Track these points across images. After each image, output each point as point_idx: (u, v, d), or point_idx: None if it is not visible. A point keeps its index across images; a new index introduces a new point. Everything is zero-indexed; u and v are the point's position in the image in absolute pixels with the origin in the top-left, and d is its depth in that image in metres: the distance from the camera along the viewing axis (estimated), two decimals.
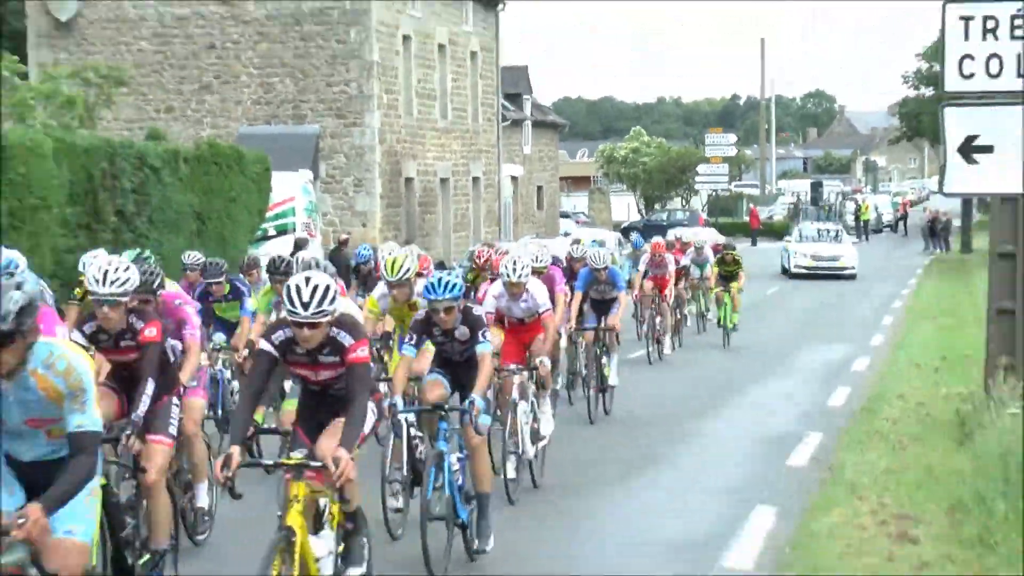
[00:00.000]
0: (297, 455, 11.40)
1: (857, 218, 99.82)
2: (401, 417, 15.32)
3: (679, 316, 36.85)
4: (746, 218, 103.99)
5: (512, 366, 18.37)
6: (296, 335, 11.19)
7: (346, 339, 11.29)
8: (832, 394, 28.17)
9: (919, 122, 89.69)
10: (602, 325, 25.18)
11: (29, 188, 26.37)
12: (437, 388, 14.99)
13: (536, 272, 20.71)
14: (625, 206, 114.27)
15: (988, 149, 15.01)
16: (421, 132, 63.87)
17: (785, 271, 62.85)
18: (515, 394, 17.78)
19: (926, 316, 44.18)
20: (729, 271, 36.17)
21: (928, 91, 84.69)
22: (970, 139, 15.04)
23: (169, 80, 57.89)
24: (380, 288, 18.36)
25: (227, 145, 38.08)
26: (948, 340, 34.78)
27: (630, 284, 33.97)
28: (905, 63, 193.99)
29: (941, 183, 15.80)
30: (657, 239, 35.38)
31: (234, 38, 57.87)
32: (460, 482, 14.16)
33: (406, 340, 14.71)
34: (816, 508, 16.73)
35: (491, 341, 14.66)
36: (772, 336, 39.60)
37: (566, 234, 63.74)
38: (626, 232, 73.33)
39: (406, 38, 62.01)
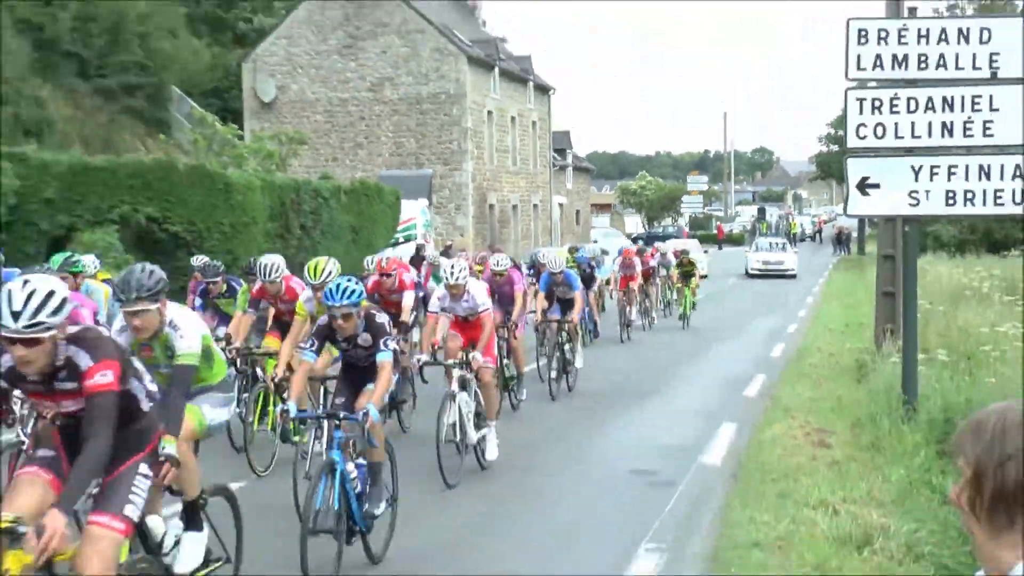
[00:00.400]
0: (10, 514, 6.37)
1: (788, 231, 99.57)
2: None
3: (647, 304, 34.49)
4: (715, 231, 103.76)
5: (451, 360, 14.40)
6: (12, 355, 6.60)
7: (83, 360, 6.64)
8: (773, 348, 28.07)
9: (829, 168, 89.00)
10: (565, 318, 20.84)
11: (244, 211, 26.57)
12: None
13: (498, 275, 18.57)
14: (635, 223, 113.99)
15: (876, 186, 14.99)
16: (499, 174, 63.96)
17: (747, 272, 61.80)
18: (454, 386, 13.77)
19: (835, 297, 43.85)
20: (686, 270, 35.21)
21: (835, 147, 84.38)
22: (864, 179, 15.02)
23: (334, 140, 58.18)
24: (307, 292, 13.66)
25: (372, 183, 38.17)
26: (850, 313, 34.55)
27: (609, 280, 32.79)
28: (819, 129, 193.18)
29: (845, 208, 15.78)
30: (628, 247, 34.40)
31: (377, 112, 58.14)
32: (360, 489, 10.16)
33: (307, 345, 10.77)
34: (763, 424, 16.70)
35: (392, 350, 10.41)
36: (730, 313, 39.15)
37: (595, 241, 63.55)
38: (635, 240, 72.97)
39: (490, 113, 62.15)
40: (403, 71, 58.04)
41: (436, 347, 14.78)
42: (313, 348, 10.58)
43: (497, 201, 63.38)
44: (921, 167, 14.83)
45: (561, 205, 79.54)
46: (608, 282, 32.65)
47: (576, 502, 12.74)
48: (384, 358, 10.26)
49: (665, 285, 37.86)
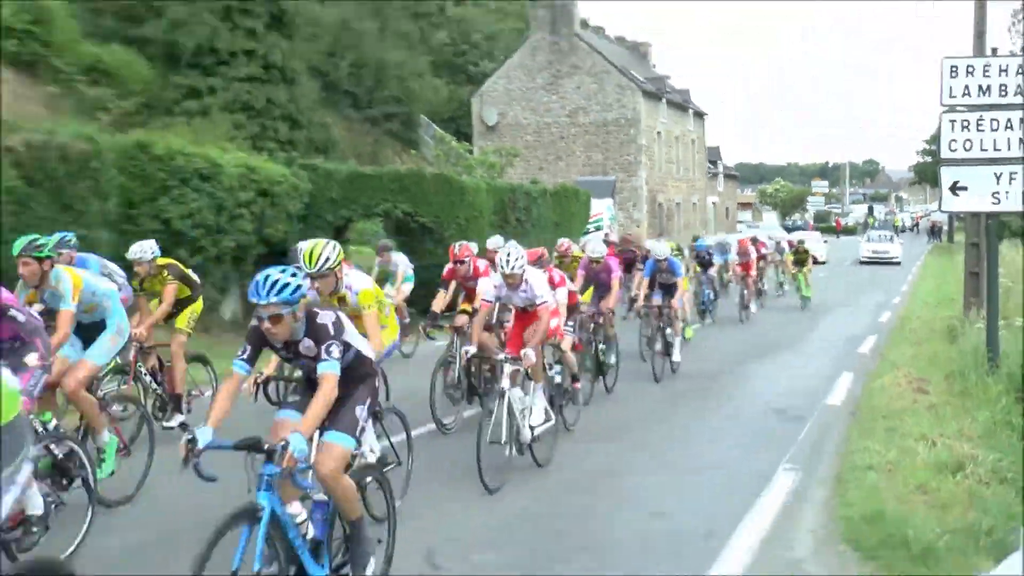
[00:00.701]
0: None
1: (892, 225, 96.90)
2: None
3: (761, 287, 30.92)
4: (834, 224, 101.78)
5: (502, 355, 10.16)
6: None
7: None
8: (880, 316, 27.43)
9: (925, 174, 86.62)
10: (665, 303, 17.08)
11: (473, 207, 26.84)
12: (284, 429, 6.28)
13: (595, 262, 14.96)
14: (771, 218, 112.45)
15: (964, 188, 14.67)
16: (666, 180, 63.45)
17: (859, 260, 59.46)
18: (505, 382, 9.85)
19: (930, 276, 42.68)
20: (800, 257, 32.71)
21: (929, 159, 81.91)
22: (955, 183, 14.70)
23: (541, 154, 58.35)
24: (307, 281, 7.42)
25: (569, 186, 38.14)
26: (942, 289, 33.56)
27: (727, 267, 30.44)
28: (916, 144, 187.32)
29: (939, 206, 15.42)
30: (743, 236, 32.31)
31: (572, 133, 58.09)
32: (311, 533, 6.13)
33: (238, 354, 6.16)
34: (874, 375, 16.40)
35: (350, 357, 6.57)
36: (843, 292, 37.99)
37: (740, 231, 62.57)
38: (795, 232, 70.46)
39: (659, 133, 61.69)
40: (593, 102, 58.04)
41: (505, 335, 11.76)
42: (244, 356, 6.17)
43: (664, 200, 62.98)
44: (1001, 174, 14.60)
45: (714, 203, 78.91)
46: (727, 268, 31.29)
47: (713, 442, 12.63)
48: (326, 369, 6.03)
49: (779, 270, 35.65)
